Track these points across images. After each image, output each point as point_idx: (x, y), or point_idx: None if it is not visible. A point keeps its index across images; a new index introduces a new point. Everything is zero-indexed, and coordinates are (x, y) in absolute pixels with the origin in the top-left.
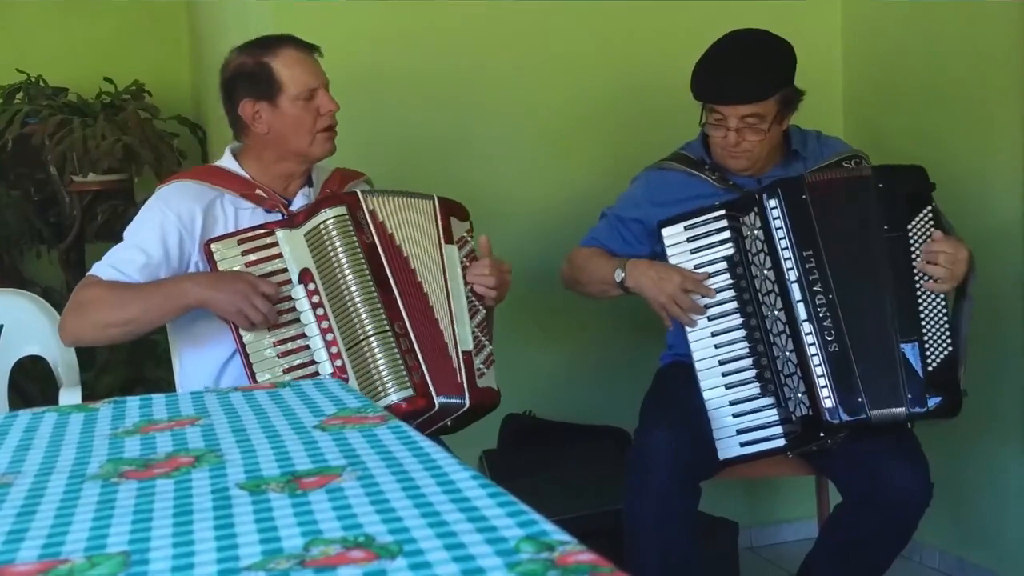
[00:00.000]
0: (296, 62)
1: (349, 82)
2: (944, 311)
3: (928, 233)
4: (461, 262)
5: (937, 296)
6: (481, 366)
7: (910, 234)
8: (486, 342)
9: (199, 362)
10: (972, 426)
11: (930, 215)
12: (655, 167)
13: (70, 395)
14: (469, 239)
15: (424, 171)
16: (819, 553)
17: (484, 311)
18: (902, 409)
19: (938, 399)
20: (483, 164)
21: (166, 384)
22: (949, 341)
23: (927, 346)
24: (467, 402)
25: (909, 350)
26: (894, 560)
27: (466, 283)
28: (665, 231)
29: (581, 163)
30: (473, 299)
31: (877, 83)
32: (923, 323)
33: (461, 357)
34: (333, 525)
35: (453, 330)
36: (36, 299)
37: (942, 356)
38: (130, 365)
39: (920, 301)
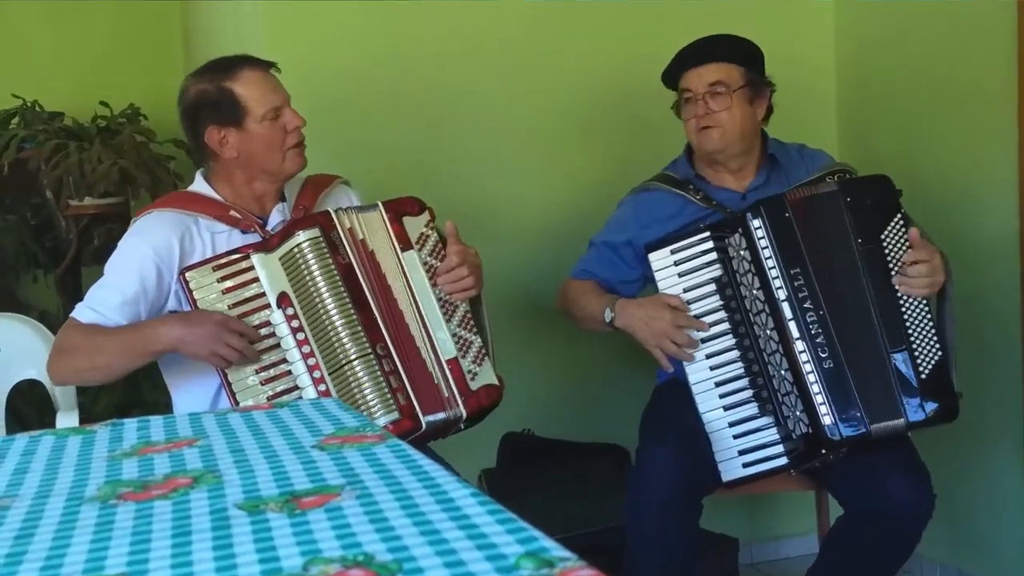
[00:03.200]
0: (257, 82)
1: (338, 95)
2: (928, 317)
3: (902, 240)
4: (425, 263)
5: (920, 303)
6: (472, 367)
7: (884, 243)
8: (472, 337)
9: (192, 395)
10: (969, 438)
11: (901, 223)
12: (640, 188)
13: (67, 418)
14: (430, 232)
15: (411, 186)
16: (821, 567)
17: (465, 305)
18: (901, 420)
19: (935, 405)
20: (472, 179)
21: (164, 406)
22: (938, 346)
23: (917, 353)
24: (463, 412)
25: (900, 359)
26: (896, 573)
27: (435, 284)
28: (652, 256)
29: (571, 175)
30: (446, 298)
31: (870, 91)
32: (909, 331)
33: (447, 367)
34: (332, 544)
35: (431, 341)
36: (33, 323)
37: (933, 361)
38: (127, 388)
39: (904, 309)
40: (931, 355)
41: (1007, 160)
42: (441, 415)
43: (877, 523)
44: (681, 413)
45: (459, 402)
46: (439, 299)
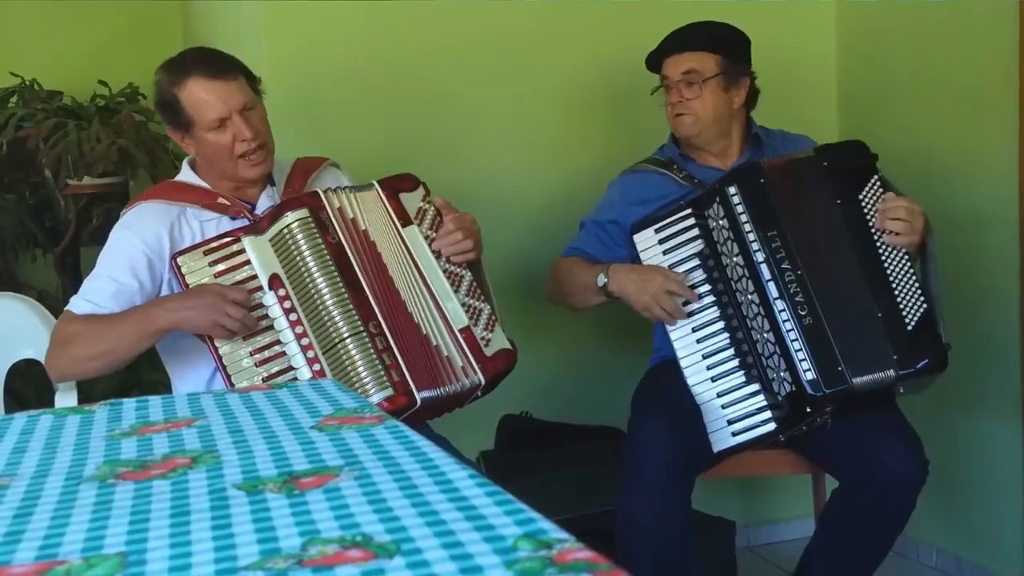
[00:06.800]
0: (200, 94)
1: (338, 86)
2: (911, 271)
3: (880, 199)
4: (426, 236)
5: (901, 257)
6: (484, 333)
7: (863, 203)
8: (482, 305)
9: (186, 380)
10: (967, 421)
11: (878, 183)
12: (628, 170)
13: (66, 398)
14: (427, 206)
15: (412, 171)
16: (818, 542)
17: (468, 273)
18: (889, 372)
19: (923, 355)
20: (474, 165)
21: (162, 387)
22: (922, 299)
23: (902, 306)
24: (482, 379)
25: (885, 312)
26: (892, 546)
27: (439, 256)
28: (637, 237)
29: (572, 162)
30: (451, 267)
31: (871, 80)
32: (893, 285)
33: (461, 336)
34: (331, 525)
35: (441, 312)
36: (32, 303)
37: (919, 314)
38: (126, 368)
39: (886, 264)
40: (916, 307)
41: (1008, 149)
42: (470, 379)
43: (871, 492)
44: (673, 391)
45: (476, 369)
46: (445, 270)
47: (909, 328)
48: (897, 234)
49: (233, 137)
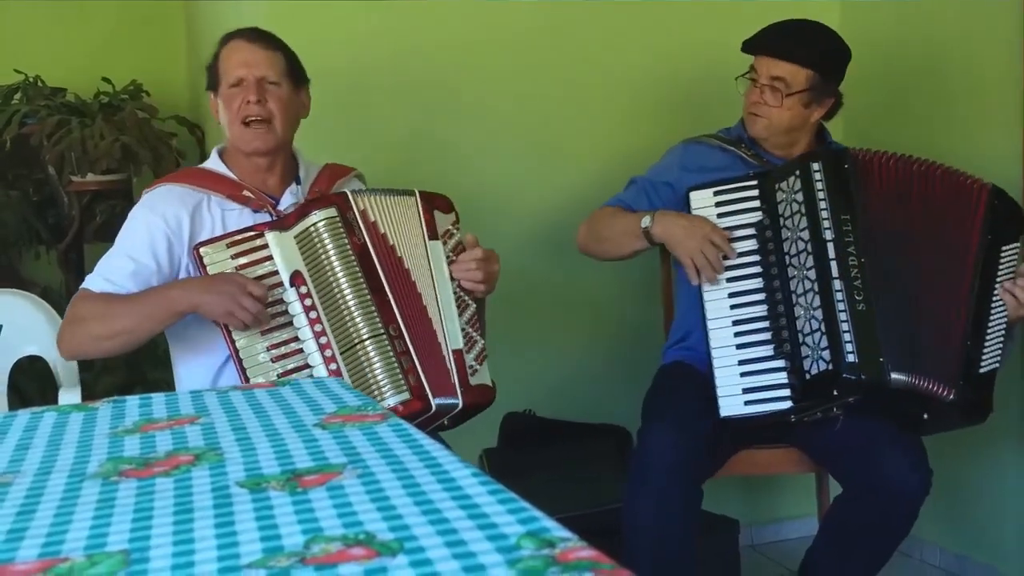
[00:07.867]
0: (234, 51)
1: (341, 84)
2: (1003, 330)
3: (1013, 262)
4: (447, 257)
5: (1002, 314)
6: (474, 363)
7: (1002, 252)
8: (477, 337)
9: (195, 368)
10: None
11: (1017, 249)
12: (692, 140)
13: (69, 395)
14: (455, 231)
15: (417, 172)
16: (820, 545)
17: (474, 305)
18: (950, 393)
19: (974, 397)
20: (478, 164)
21: (165, 385)
22: (998, 358)
23: (984, 351)
24: (460, 402)
25: (972, 344)
26: (894, 551)
27: (453, 279)
28: (693, 195)
29: (575, 163)
30: (461, 294)
31: (874, 82)
32: (988, 329)
33: (452, 356)
34: (334, 523)
35: (443, 329)
36: (35, 299)
37: (990, 367)
38: (130, 366)
39: (992, 311)
40: (992, 361)
41: (1012, 152)
42: (452, 399)
43: (874, 500)
44: (683, 394)
45: (459, 392)
46: (455, 293)
47: (978, 371)
48: (1013, 295)
49: (241, 100)
